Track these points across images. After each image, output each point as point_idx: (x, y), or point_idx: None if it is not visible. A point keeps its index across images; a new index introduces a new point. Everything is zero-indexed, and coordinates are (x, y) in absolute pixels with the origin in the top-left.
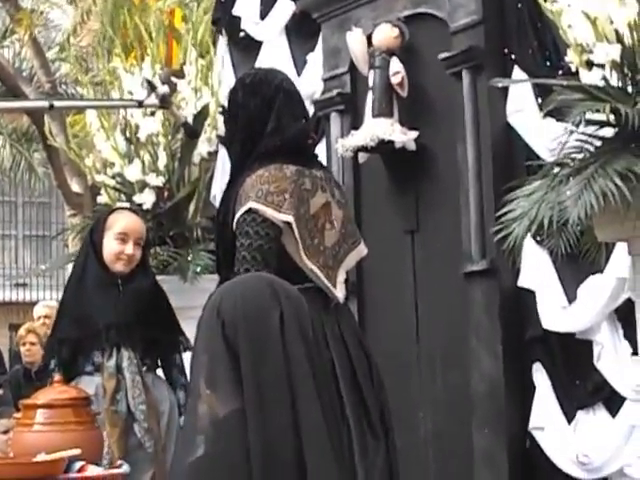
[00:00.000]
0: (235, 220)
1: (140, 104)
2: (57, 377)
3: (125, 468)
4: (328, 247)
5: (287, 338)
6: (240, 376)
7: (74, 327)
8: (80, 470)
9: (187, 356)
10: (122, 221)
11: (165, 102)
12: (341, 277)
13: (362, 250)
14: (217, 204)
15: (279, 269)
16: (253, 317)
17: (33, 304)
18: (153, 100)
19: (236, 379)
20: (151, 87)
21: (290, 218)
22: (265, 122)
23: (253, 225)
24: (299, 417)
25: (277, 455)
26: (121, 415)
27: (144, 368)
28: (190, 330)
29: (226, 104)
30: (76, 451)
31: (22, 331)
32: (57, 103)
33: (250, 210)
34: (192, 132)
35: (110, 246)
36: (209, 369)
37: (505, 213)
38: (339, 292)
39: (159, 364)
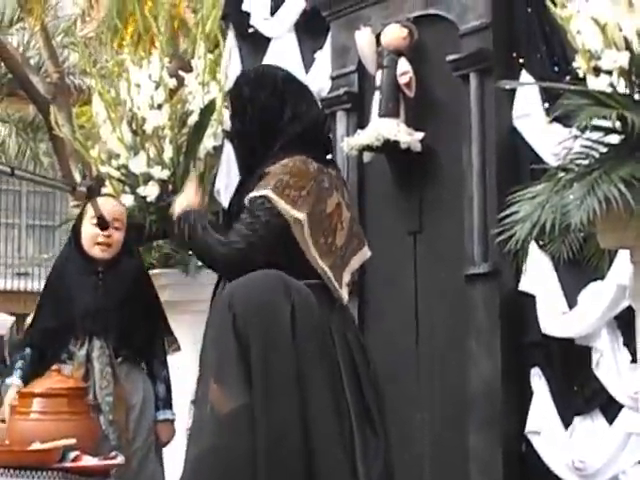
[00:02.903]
0: (247, 197)
1: (74, 189)
2: (55, 366)
3: (120, 459)
4: (339, 247)
5: (298, 332)
6: (249, 369)
7: (52, 316)
8: (75, 460)
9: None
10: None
11: (91, 193)
12: (346, 278)
13: (366, 252)
14: (221, 199)
15: (288, 261)
16: (264, 310)
17: (34, 294)
18: (81, 188)
19: (245, 372)
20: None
21: (302, 216)
22: (280, 112)
23: (260, 208)
24: (308, 409)
25: (283, 446)
26: None
27: (119, 359)
28: (191, 323)
29: (228, 105)
30: (71, 441)
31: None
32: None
33: (264, 196)
34: (104, 223)
35: (86, 231)
36: (218, 363)
37: (508, 215)
38: (344, 293)
39: (141, 356)
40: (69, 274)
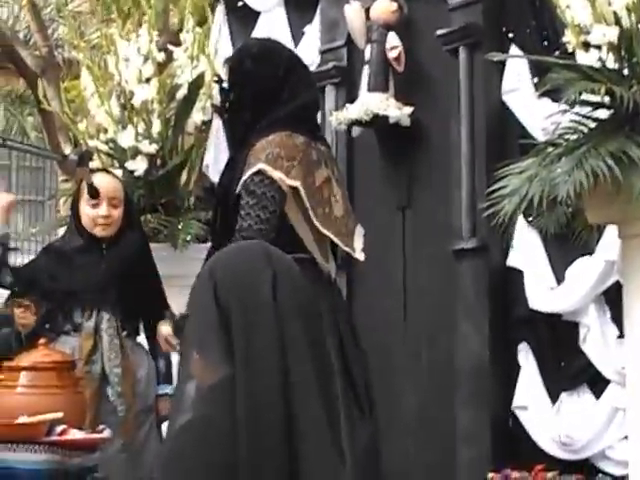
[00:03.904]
0: (242, 180)
1: (64, 157)
2: (42, 340)
3: (107, 433)
4: (338, 217)
5: (279, 299)
6: (231, 338)
7: (49, 275)
8: (62, 433)
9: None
10: None
11: (82, 162)
12: (358, 243)
13: (361, 231)
14: (209, 173)
15: (275, 237)
16: (245, 278)
17: None
18: (73, 157)
19: (226, 341)
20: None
21: (298, 184)
22: (278, 90)
23: (261, 186)
24: (289, 379)
25: (264, 413)
26: (94, 377)
27: (124, 333)
28: (179, 297)
29: (226, 73)
30: (58, 414)
31: None
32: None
33: (259, 172)
34: (95, 192)
35: (84, 211)
36: (200, 333)
37: (496, 190)
38: (360, 255)
39: (141, 332)
40: (72, 249)
